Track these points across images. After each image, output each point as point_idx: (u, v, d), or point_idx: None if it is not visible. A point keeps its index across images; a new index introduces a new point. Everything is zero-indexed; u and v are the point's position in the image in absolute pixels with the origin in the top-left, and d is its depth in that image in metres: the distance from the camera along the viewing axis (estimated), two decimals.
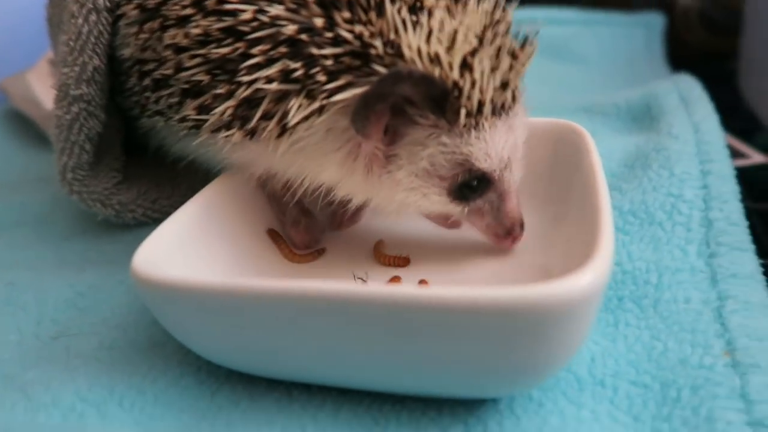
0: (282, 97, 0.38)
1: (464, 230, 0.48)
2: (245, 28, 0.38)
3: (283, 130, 0.38)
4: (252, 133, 0.39)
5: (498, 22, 0.39)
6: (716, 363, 0.34)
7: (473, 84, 0.36)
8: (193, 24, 0.40)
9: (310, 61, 0.36)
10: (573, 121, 0.57)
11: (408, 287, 0.29)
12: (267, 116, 0.38)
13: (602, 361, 0.36)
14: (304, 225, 0.48)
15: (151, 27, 0.43)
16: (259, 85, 0.37)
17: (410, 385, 0.34)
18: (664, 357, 0.35)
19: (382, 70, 0.36)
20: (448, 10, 0.38)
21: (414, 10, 0.37)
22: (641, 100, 0.62)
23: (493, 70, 0.37)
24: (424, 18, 0.37)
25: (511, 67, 0.38)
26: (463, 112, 0.36)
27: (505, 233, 0.42)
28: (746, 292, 0.38)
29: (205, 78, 0.40)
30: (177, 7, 0.41)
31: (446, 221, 0.44)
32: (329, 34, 0.36)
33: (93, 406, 0.35)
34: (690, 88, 0.60)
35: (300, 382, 0.36)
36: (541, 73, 0.83)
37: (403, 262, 0.46)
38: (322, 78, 0.36)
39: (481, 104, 0.37)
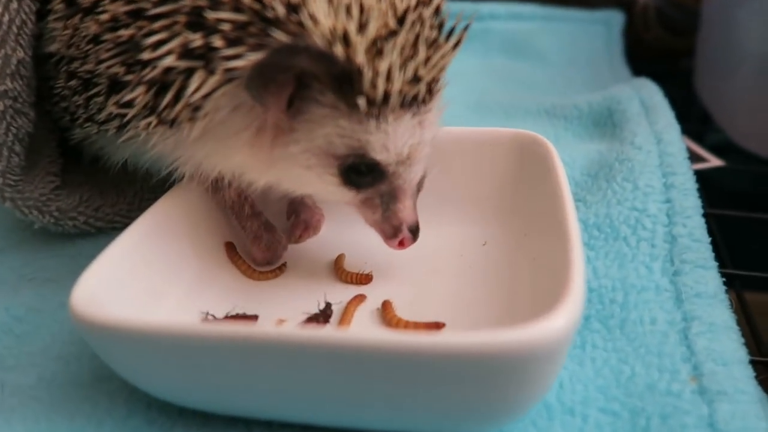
0: (188, 75, 0.35)
1: (427, 243, 0.46)
2: (147, 5, 0.36)
3: (194, 111, 0.36)
4: (169, 121, 0.37)
5: (425, 4, 0.36)
6: (684, 389, 0.34)
7: (380, 72, 0.34)
8: (102, 10, 0.38)
9: (210, 31, 0.34)
10: (535, 125, 0.57)
11: (367, 333, 0.28)
12: (178, 98, 0.36)
13: (571, 387, 0.35)
14: (265, 241, 0.45)
15: (73, 21, 0.41)
16: (163, 62, 0.35)
17: (375, 423, 0.32)
18: (632, 382, 0.35)
19: (283, 37, 0.33)
20: None
21: None
22: (603, 104, 0.62)
23: (407, 59, 0.35)
24: None
25: (428, 59, 0.36)
26: (363, 99, 0.34)
27: (392, 233, 0.40)
28: (710, 312, 0.38)
29: (120, 70, 0.38)
30: None
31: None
32: None
33: None
34: (651, 94, 0.60)
35: (259, 419, 0.34)
36: (501, 71, 0.83)
37: (365, 279, 0.44)
38: (220, 44, 0.34)
39: (387, 95, 0.35)
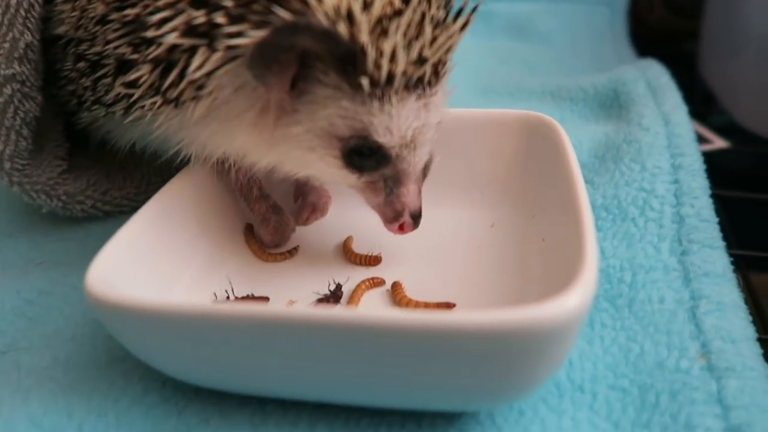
0: (192, 53, 0.35)
1: (435, 225, 0.47)
2: None
3: (198, 90, 0.36)
4: (173, 100, 0.37)
5: None
6: (692, 367, 0.34)
7: (384, 52, 0.33)
8: None
9: (213, 9, 0.34)
10: (541, 107, 0.57)
11: (380, 312, 0.28)
12: (182, 77, 0.36)
13: (580, 365, 0.36)
14: (273, 223, 0.45)
15: (80, 2, 0.40)
16: (167, 40, 0.35)
17: (386, 401, 0.33)
18: (641, 360, 0.35)
19: (286, 15, 0.32)
20: None
21: None
22: (608, 86, 0.62)
23: (412, 40, 0.34)
24: None
25: (434, 40, 0.35)
26: (366, 80, 0.34)
27: (394, 217, 0.39)
28: (718, 291, 0.38)
29: (127, 50, 0.37)
30: None
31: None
32: None
33: None
34: (657, 75, 0.60)
35: (272, 398, 0.34)
36: (505, 53, 0.83)
37: (374, 261, 0.45)
38: (223, 21, 0.33)
39: (391, 75, 0.34)
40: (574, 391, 0.34)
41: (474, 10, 0.38)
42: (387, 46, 0.33)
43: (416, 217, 0.40)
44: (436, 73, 0.37)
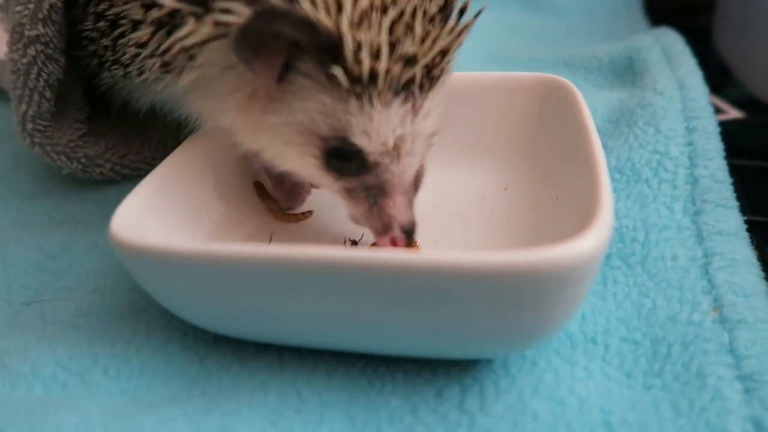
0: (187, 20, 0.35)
1: (449, 188, 0.47)
2: None
3: (190, 60, 0.35)
4: (169, 64, 0.37)
5: None
6: (704, 319, 0.34)
7: (363, 46, 0.31)
8: None
9: None
10: (554, 75, 0.56)
11: (396, 253, 0.28)
12: (177, 41, 0.35)
13: (593, 319, 0.36)
14: (288, 185, 0.46)
15: None
16: (166, 2, 0.34)
17: (405, 347, 0.33)
18: (653, 314, 0.36)
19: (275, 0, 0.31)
20: None
21: None
22: (623, 54, 0.61)
23: (400, 37, 0.32)
24: None
25: (424, 38, 0.33)
26: (341, 72, 0.32)
27: (382, 231, 0.37)
28: (731, 248, 0.38)
29: (139, 12, 0.37)
30: None
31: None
32: None
33: (76, 375, 0.34)
34: (672, 42, 0.59)
35: (291, 346, 0.35)
36: (519, 25, 0.82)
37: None
38: None
39: (374, 73, 0.32)
40: (586, 342, 0.35)
41: (477, 15, 0.36)
42: (368, 40, 0.31)
43: (410, 233, 0.37)
44: (430, 77, 0.34)
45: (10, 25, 0.45)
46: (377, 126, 0.33)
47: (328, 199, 0.48)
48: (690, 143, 0.46)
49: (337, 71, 0.32)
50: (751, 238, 0.40)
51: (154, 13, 0.36)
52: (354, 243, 0.42)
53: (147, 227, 0.35)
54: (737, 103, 0.69)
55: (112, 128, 0.54)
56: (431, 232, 0.44)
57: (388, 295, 0.29)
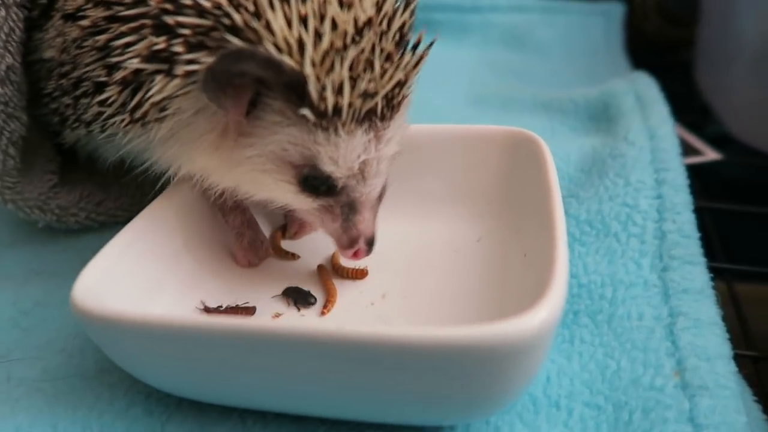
0: (154, 77, 0.36)
1: (423, 241, 0.47)
2: (121, 9, 0.37)
3: (161, 112, 0.37)
4: (139, 120, 0.38)
5: (390, 18, 0.36)
6: (667, 384, 0.34)
7: (327, 85, 0.34)
8: (83, 15, 0.39)
9: (174, 36, 0.35)
10: (532, 119, 0.57)
11: (356, 327, 0.28)
12: (147, 99, 0.37)
13: (557, 381, 0.36)
14: (248, 239, 0.46)
15: (62, 28, 0.41)
16: (129, 64, 0.36)
17: (363, 414, 0.33)
18: (617, 377, 0.36)
19: (239, 44, 0.33)
20: None
21: None
22: (599, 99, 0.62)
23: (360, 74, 0.34)
24: None
25: (383, 74, 0.35)
26: (308, 110, 0.34)
27: (349, 244, 0.40)
28: (696, 308, 0.38)
29: (101, 73, 0.39)
30: (74, 2, 0.40)
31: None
32: (189, 2, 0.34)
33: None
34: (647, 88, 0.60)
35: (253, 409, 0.35)
36: (501, 63, 0.83)
37: (361, 274, 0.45)
38: (181, 49, 0.35)
39: (337, 108, 0.34)
40: (550, 407, 0.35)
41: (430, 45, 0.38)
42: (332, 79, 0.34)
43: (370, 244, 0.40)
44: (390, 106, 0.37)
45: None
46: (343, 153, 0.36)
47: (299, 250, 0.49)
48: (659, 196, 0.46)
49: (304, 109, 0.34)
50: (723, 287, 0.40)
51: (119, 74, 0.37)
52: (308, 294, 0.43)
53: (110, 292, 0.35)
54: (717, 141, 0.69)
55: (89, 176, 0.55)
56: (404, 283, 0.44)
57: (339, 366, 0.29)
